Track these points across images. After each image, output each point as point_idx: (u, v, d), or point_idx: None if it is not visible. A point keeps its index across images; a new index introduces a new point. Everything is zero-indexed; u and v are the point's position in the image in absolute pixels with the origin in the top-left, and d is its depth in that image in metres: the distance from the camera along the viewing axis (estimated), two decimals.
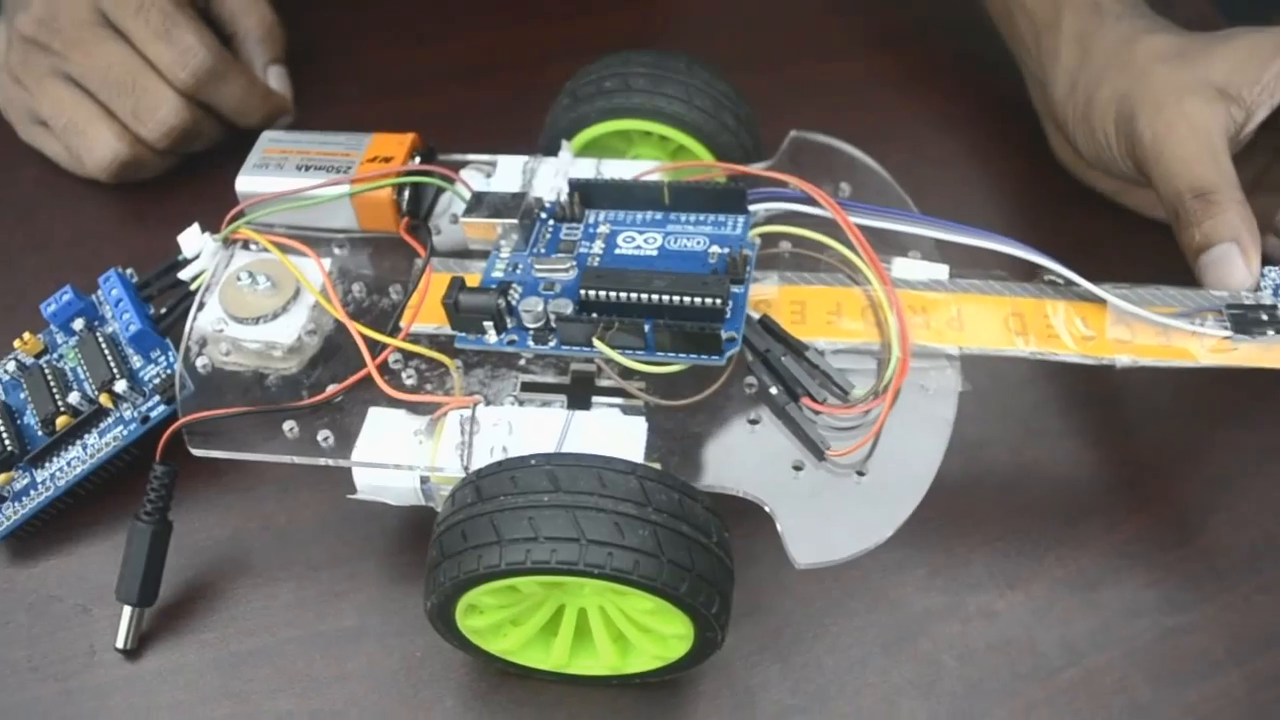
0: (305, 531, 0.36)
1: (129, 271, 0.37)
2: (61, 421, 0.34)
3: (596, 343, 0.30)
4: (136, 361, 0.35)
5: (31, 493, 0.34)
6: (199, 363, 0.33)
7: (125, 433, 0.34)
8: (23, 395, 0.35)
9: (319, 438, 0.31)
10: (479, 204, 0.34)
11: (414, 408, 0.31)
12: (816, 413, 0.30)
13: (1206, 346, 0.32)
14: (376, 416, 0.31)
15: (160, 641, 0.33)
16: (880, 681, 0.33)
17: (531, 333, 0.31)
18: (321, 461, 0.31)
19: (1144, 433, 0.38)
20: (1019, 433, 0.38)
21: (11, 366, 0.36)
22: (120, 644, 0.33)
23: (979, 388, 0.38)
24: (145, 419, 0.35)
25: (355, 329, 0.32)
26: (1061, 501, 0.37)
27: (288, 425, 0.32)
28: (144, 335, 0.35)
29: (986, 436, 0.38)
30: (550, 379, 0.33)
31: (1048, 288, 0.33)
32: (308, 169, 0.35)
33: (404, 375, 0.33)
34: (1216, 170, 0.35)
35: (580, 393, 0.32)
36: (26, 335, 0.36)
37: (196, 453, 0.32)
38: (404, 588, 0.34)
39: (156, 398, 0.35)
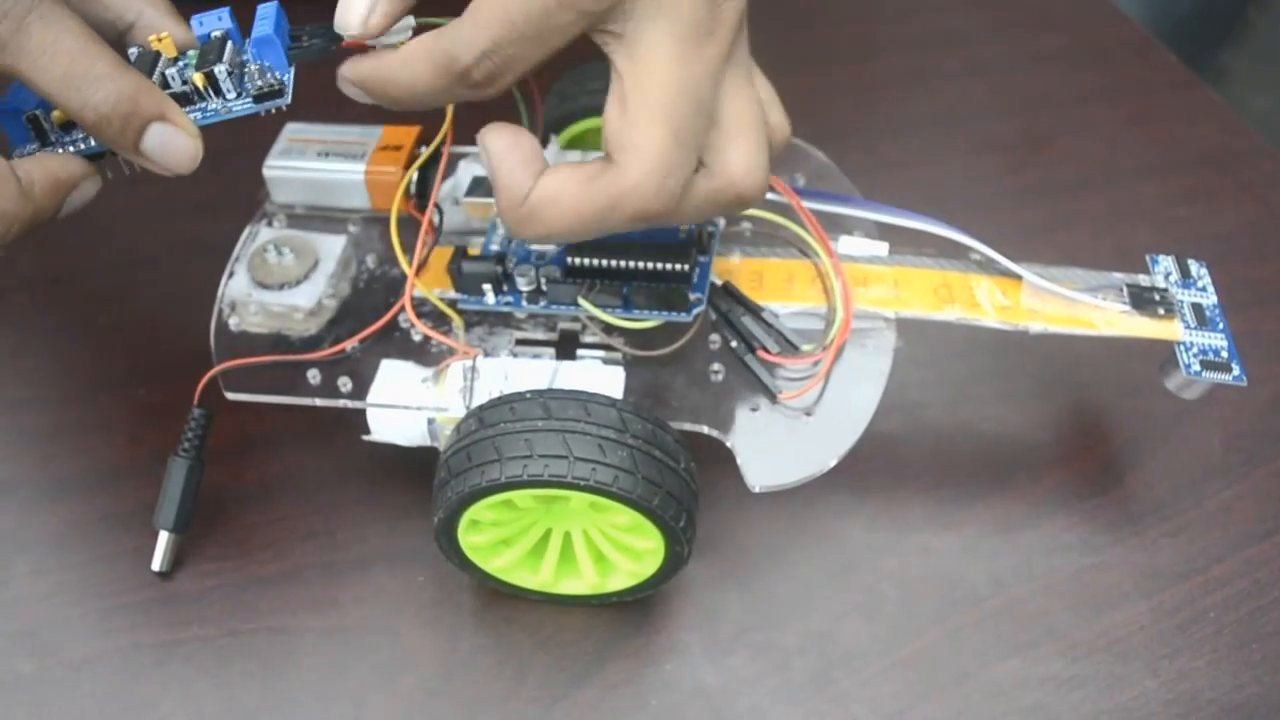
0: (321, 475, 0.39)
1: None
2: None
3: (581, 301, 0.34)
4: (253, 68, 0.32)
5: None
6: (231, 322, 0.37)
7: (202, 116, 0.32)
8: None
9: (339, 383, 0.35)
10: (479, 187, 0.38)
11: (421, 359, 0.35)
12: (771, 363, 0.34)
13: (1105, 319, 0.35)
14: (389, 366, 0.35)
15: (191, 566, 0.37)
16: (827, 605, 0.36)
17: (525, 294, 0.35)
18: (341, 403, 0.35)
19: (1066, 401, 0.42)
20: (955, 396, 0.42)
21: (134, 52, 0.32)
22: (156, 566, 0.36)
23: (920, 357, 0.42)
24: (229, 109, 0.32)
25: (399, 251, 0.34)
26: (992, 456, 0.40)
27: (311, 373, 0.35)
28: (269, 41, 0.31)
29: (926, 399, 0.42)
30: (540, 335, 0.36)
31: (973, 264, 0.37)
32: (327, 155, 0.39)
33: (412, 334, 0.37)
34: None
35: (567, 347, 0.36)
36: (165, 34, 0.32)
37: (230, 397, 0.35)
38: (408, 523, 0.38)
39: (249, 94, 0.32)
